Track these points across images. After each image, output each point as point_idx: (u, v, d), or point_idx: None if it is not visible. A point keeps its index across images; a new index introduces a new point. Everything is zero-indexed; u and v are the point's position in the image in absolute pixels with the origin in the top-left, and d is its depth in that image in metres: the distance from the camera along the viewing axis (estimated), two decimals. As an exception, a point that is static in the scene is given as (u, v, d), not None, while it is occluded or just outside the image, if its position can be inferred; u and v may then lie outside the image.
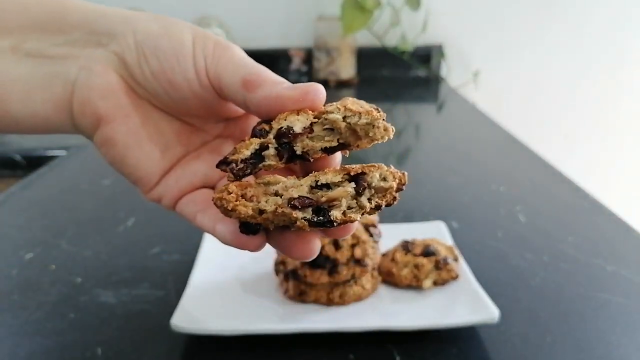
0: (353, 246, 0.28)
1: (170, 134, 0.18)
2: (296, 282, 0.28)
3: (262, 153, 0.16)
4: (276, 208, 0.15)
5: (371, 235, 0.30)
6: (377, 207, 0.16)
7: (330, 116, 0.16)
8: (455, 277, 0.30)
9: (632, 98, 1.05)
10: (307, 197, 0.16)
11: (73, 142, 0.65)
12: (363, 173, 0.16)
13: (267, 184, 0.16)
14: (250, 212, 0.15)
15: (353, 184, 0.16)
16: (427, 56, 0.99)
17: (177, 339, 0.27)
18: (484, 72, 1.00)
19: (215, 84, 0.17)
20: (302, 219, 0.15)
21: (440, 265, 0.30)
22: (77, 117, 0.17)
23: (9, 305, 0.31)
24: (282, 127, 0.16)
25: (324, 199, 0.16)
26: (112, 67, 0.17)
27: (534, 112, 1.05)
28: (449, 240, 0.34)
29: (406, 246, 0.31)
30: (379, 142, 0.16)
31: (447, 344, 0.26)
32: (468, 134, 0.68)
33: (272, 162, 0.16)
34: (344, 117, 0.16)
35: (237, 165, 0.16)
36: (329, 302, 0.28)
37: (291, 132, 0.16)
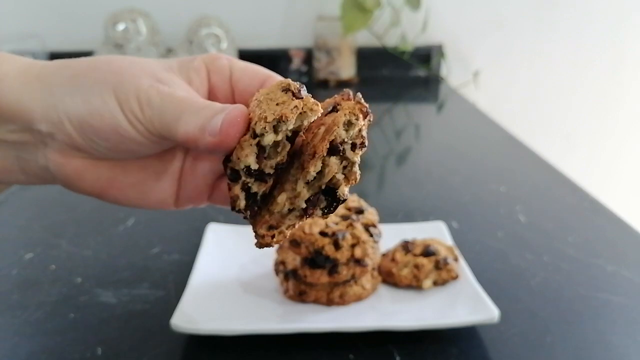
0: (353, 246, 0.28)
1: (154, 164, 0.19)
2: (296, 282, 0.28)
3: (251, 191, 0.17)
4: (298, 222, 0.17)
5: (371, 235, 0.30)
6: (362, 146, 0.18)
7: (265, 141, 0.16)
8: (455, 277, 0.30)
9: (633, 98, 1.05)
10: (312, 196, 0.17)
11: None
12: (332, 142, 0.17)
13: (275, 211, 0.18)
14: (284, 238, 0.18)
15: (334, 157, 0.17)
16: (427, 56, 0.99)
17: (177, 339, 0.27)
18: (483, 72, 1.00)
19: (157, 136, 0.17)
20: (321, 213, 0.17)
21: (440, 265, 0.30)
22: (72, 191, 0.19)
23: (9, 305, 0.31)
24: (243, 169, 0.17)
25: (323, 185, 0.17)
26: (71, 155, 0.18)
27: (534, 112, 1.05)
28: (449, 241, 0.34)
29: (406, 246, 0.31)
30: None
31: (447, 343, 0.26)
32: (468, 134, 0.68)
33: (263, 188, 0.17)
34: (275, 130, 0.16)
35: (245, 213, 0.18)
36: (329, 302, 0.28)
37: (251, 169, 0.17)
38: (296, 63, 0.98)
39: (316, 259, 0.27)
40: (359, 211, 0.30)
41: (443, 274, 0.30)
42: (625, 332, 0.27)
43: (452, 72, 0.99)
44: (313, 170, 0.16)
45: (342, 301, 0.28)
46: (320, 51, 0.94)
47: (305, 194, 0.17)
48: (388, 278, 0.30)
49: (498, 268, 0.34)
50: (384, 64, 1.00)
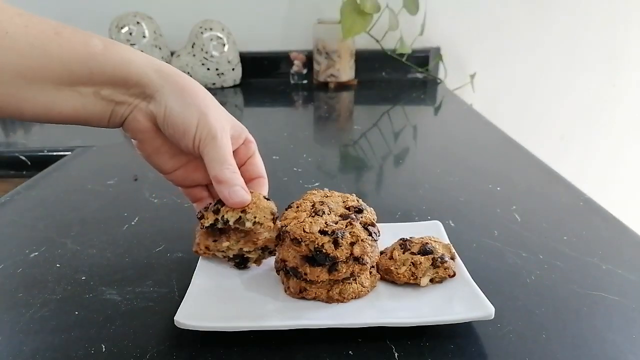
0: (352, 244, 0.28)
1: (176, 150, 0.31)
2: (297, 280, 0.29)
3: (215, 224, 0.30)
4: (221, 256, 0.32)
5: (370, 234, 0.31)
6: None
7: (247, 224, 0.30)
8: (452, 275, 0.30)
9: (627, 100, 1.06)
10: (238, 253, 0.32)
11: (78, 143, 0.66)
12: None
13: (216, 247, 0.32)
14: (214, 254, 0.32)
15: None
16: (425, 59, 1.00)
17: (181, 335, 0.27)
18: (481, 74, 1.01)
19: (198, 154, 0.29)
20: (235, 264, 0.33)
21: (437, 263, 0.30)
22: (125, 130, 0.30)
23: (15, 303, 0.31)
24: (223, 216, 0.29)
25: (245, 254, 0.32)
26: (147, 118, 0.29)
27: (530, 114, 1.06)
28: (446, 239, 0.34)
29: (404, 244, 0.32)
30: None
31: (444, 339, 0.27)
32: (465, 135, 0.68)
33: (219, 226, 0.30)
34: (253, 224, 0.30)
35: (203, 226, 0.30)
36: (329, 299, 0.29)
37: (227, 221, 0.30)
38: (296, 66, 0.99)
39: (316, 257, 0.28)
40: (359, 210, 0.30)
41: (440, 272, 0.30)
42: (620, 330, 0.27)
43: (450, 75, 1.00)
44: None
45: (342, 298, 0.29)
46: (320, 54, 0.95)
47: (235, 251, 0.31)
48: (386, 275, 0.31)
49: (494, 266, 0.34)
50: (382, 67, 1.01)
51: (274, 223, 0.30)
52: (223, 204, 0.29)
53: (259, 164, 0.32)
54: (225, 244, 0.31)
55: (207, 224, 0.30)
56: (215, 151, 0.28)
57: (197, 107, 0.27)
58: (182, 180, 0.32)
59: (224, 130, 0.28)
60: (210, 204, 0.31)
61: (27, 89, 0.25)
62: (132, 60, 0.27)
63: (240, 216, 0.29)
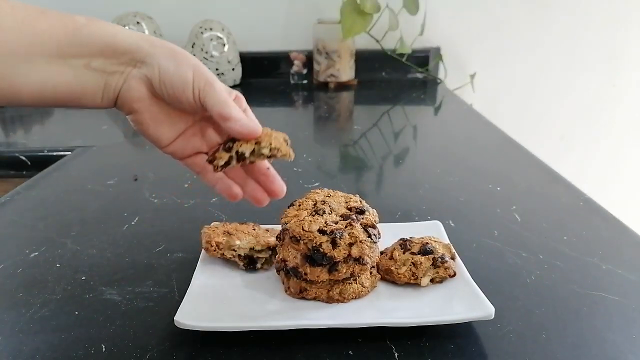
0: (350, 245, 0.28)
1: (175, 117, 0.30)
2: (297, 280, 0.29)
3: (229, 161, 0.29)
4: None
5: (369, 235, 0.31)
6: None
7: (263, 151, 0.29)
8: (452, 275, 0.30)
9: (628, 100, 1.06)
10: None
11: (78, 143, 0.66)
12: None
13: (228, 246, 0.33)
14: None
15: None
16: (425, 59, 1.00)
17: (181, 335, 0.27)
18: (480, 74, 1.01)
19: (202, 105, 0.28)
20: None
21: (437, 263, 0.30)
22: (119, 106, 0.29)
23: (15, 303, 0.31)
24: (237, 151, 0.29)
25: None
26: (142, 83, 0.28)
27: (530, 114, 1.06)
28: (446, 239, 0.34)
29: (404, 244, 0.32)
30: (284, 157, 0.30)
31: (444, 339, 0.27)
32: (465, 135, 0.69)
33: (236, 165, 0.29)
34: (270, 150, 0.29)
35: (218, 167, 0.29)
36: (329, 299, 0.29)
37: (243, 154, 0.29)
38: (296, 66, 0.99)
39: (313, 256, 0.28)
40: (360, 211, 0.30)
41: (440, 272, 0.30)
42: (619, 330, 0.27)
43: (450, 75, 1.00)
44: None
45: (342, 298, 0.29)
46: (320, 54, 0.95)
47: (246, 250, 0.32)
48: (387, 276, 0.31)
49: (494, 266, 0.34)
50: (382, 67, 1.01)
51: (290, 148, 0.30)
52: (234, 142, 0.29)
53: (253, 117, 0.32)
54: (237, 242, 0.31)
55: (221, 164, 0.29)
56: (217, 95, 0.28)
57: (188, 63, 0.28)
58: (182, 150, 0.31)
59: (217, 79, 0.29)
60: (220, 146, 0.30)
61: (19, 66, 0.25)
62: (118, 31, 0.27)
63: (254, 148, 0.28)
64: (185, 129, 0.31)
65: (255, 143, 0.28)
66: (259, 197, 0.31)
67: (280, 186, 0.31)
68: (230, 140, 0.29)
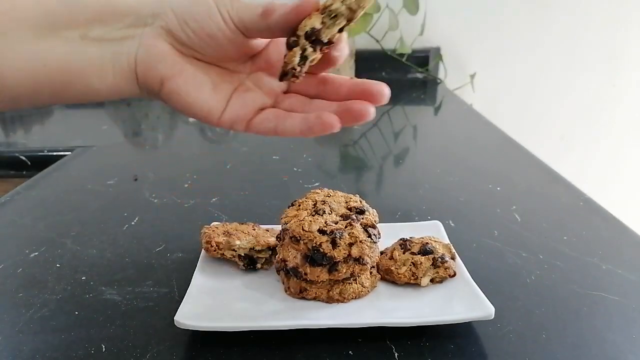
0: (350, 245, 0.28)
1: (215, 76, 0.24)
2: (297, 280, 0.29)
3: (304, 54, 0.22)
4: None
5: (369, 235, 0.31)
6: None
7: (333, 7, 0.21)
8: (452, 275, 0.30)
9: (628, 100, 1.06)
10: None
11: (78, 143, 0.66)
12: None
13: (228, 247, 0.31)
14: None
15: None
16: (425, 59, 1.00)
17: (181, 335, 0.27)
18: (480, 74, 1.01)
19: (241, 26, 0.22)
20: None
21: (437, 263, 0.30)
22: (143, 82, 0.23)
23: (14, 303, 0.31)
24: (307, 31, 0.21)
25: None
26: (162, 38, 0.22)
27: (530, 114, 1.06)
28: (446, 239, 0.34)
29: (404, 244, 0.32)
30: (367, 8, 0.21)
31: (444, 339, 0.27)
32: (465, 135, 0.69)
33: (314, 55, 0.22)
34: (342, 2, 0.21)
35: (296, 70, 0.22)
36: (329, 299, 0.29)
37: (314, 30, 0.21)
38: (296, 66, 0.99)
39: (313, 256, 0.28)
40: (360, 211, 0.30)
41: (440, 272, 0.30)
42: (620, 330, 0.27)
43: (450, 75, 1.00)
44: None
45: (342, 298, 0.29)
46: (320, 54, 0.95)
47: (247, 250, 0.31)
48: (387, 276, 0.31)
49: (494, 266, 0.34)
50: (382, 67, 1.01)
51: None
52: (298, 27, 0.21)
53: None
54: (237, 242, 0.31)
55: (296, 61, 0.22)
56: (250, 4, 0.22)
57: None
58: (243, 113, 0.24)
59: None
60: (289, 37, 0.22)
61: (1, 41, 0.21)
62: None
63: (323, 19, 0.21)
64: (235, 86, 0.25)
65: (321, 13, 0.21)
66: (361, 110, 0.23)
67: (375, 84, 0.23)
68: (291, 39, 0.22)
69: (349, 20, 0.21)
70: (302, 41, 0.21)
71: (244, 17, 0.22)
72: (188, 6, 0.22)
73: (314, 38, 0.21)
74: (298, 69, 0.22)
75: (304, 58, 0.22)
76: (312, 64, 0.23)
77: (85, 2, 0.22)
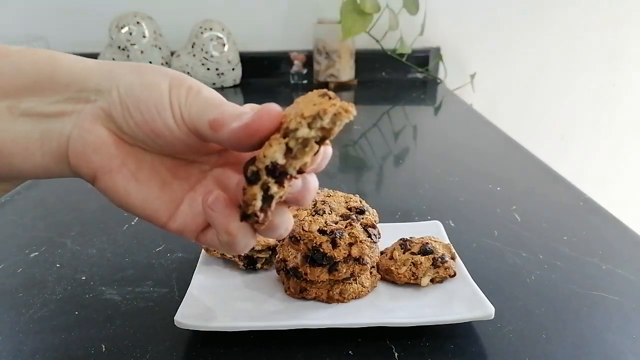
0: (350, 245, 0.28)
1: (165, 171, 0.20)
2: (297, 280, 0.29)
3: (269, 193, 0.17)
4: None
5: (369, 235, 0.31)
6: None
7: (299, 134, 0.16)
8: (452, 275, 0.30)
9: (628, 100, 1.06)
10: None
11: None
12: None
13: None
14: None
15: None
16: (425, 59, 1.00)
17: (181, 335, 0.27)
18: (480, 74, 1.01)
19: (192, 129, 0.18)
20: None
21: (437, 263, 0.30)
22: (75, 168, 0.18)
23: (14, 303, 0.31)
24: (267, 166, 0.16)
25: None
26: (100, 123, 0.18)
27: (530, 114, 1.06)
28: (446, 239, 0.34)
29: (404, 244, 0.32)
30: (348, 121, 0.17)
31: (444, 339, 0.27)
32: (465, 135, 0.69)
33: (281, 193, 0.17)
34: (309, 126, 0.16)
35: (258, 216, 0.17)
36: (329, 299, 0.29)
37: (277, 164, 0.16)
38: (297, 66, 0.99)
39: (314, 256, 0.28)
40: (360, 211, 0.30)
41: (440, 272, 0.30)
42: (619, 329, 0.27)
43: (450, 75, 1.00)
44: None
45: (342, 298, 0.29)
46: (320, 54, 0.95)
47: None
48: (387, 276, 0.31)
49: (494, 266, 0.34)
50: (382, 67, 1.01)
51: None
52: (270, 137, 0.17)
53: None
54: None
55: (258, 205, 0.17)
56: (210, 97, 0.18)
57: (160, 72, 0.18)
58: (194, 222, 0.20)
59: (208, 87, 0.19)
60: (250, 160, 0.17)
61: None
62: (59, 56, 0.18)
63: (289, 141, 0.16)
64: (191, 185, 0.20)
65: (284, 136, 0.16)
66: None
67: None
68: (249, 163, 0.17)
69: (324, 139, 0.17)
70: (264, 177, 0.17)
71: (195, 122, 0.17)
72: (137, 89, 0.17)
73: (277, 173, 0.17)
74: (261, 215, 0.17)
75: (268, 197, 0.17)
76: (282, 199, 0.18)
77: (19, 66, 0.18)
